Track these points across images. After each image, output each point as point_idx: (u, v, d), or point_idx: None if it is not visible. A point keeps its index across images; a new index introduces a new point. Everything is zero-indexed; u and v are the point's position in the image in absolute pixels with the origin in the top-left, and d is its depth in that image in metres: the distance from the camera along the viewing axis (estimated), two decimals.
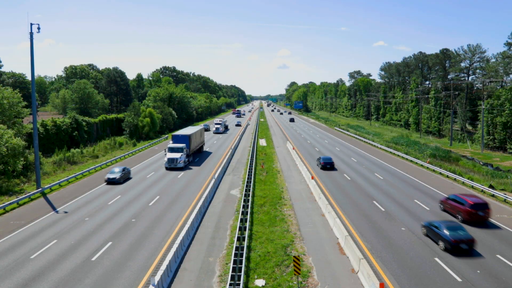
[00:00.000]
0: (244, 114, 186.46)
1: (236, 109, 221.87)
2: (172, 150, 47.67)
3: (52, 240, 23.88)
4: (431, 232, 24.17)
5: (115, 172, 39.28)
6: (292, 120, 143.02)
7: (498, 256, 21.72)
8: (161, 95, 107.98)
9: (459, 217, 28.20)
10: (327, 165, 47.50)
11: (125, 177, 40.28)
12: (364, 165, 50.81)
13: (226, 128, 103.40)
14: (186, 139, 49.99)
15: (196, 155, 56.66)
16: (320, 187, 37.27)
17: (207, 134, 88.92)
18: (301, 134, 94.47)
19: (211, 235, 24.91)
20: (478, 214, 27.10)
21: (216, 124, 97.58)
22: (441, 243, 22.95)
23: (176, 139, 50.45)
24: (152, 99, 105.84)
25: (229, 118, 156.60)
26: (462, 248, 22.08)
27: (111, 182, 38.40)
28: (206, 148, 65.17)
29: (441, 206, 30.89)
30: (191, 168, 46.78)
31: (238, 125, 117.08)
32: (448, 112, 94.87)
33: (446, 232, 22.66)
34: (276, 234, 24.93)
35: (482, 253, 22.30)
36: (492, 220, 28.12)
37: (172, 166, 45.58)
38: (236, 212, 29.63)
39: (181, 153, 46.94)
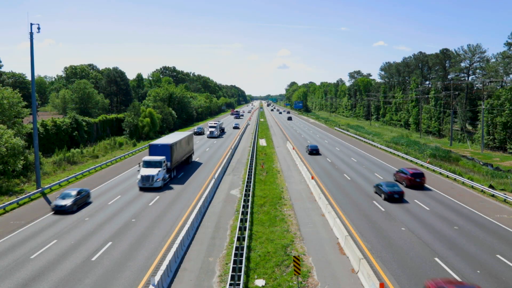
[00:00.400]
0: (242, 115, 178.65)
1: (235, 110, 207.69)
2: (148, 164, 37.65)
3: (52, 240, 23.88)
4: (378, 189, 34.87)
5: (68, 196, 30.10)
6: (289, 118, 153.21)
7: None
8: (161, 95, 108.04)
9: (404, 183, 38.66)
10: (313, 151, 60.29)
11: (81, 203, 30.99)
12: (364, 165, 50.80)
13: (222, 131, 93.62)
14: (167, 149, 40.20)
15: (182, 168, 47.29)
16: (320, 187, 37.27)
17: (200, 138, 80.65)
18: (301, 134, 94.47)
19: (211, 235, 24.91)
20: (416, 180, 37.97)
21: (211, 127, 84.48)
22: (382, 195, 33.76)
23: (154, 150, 40.52)
24: (152, 99, 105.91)
25: (227, 119, 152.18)
26: (395, 197, 32.76)
27: (59, 210, 29.24)
28: (196, 158, 55.71)
29: (394, 177, 41.52)
30: (171, 188, 37.32)
31: (236, 127, 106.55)
32: (448, 112, 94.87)
33: (386, 188, 33.49)
34: (276, 234, 24.93)
35: (408, 200, 33.83)
36: (427, 185, 38.79)
37: (147, 185, 36.19)
38: (236, 212, 29.64)
39: (159, 169, 37.11)
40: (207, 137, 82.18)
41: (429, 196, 35.16)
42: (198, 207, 28.12)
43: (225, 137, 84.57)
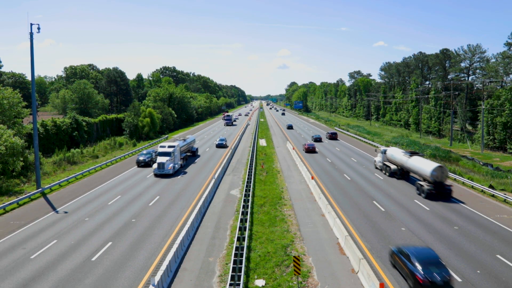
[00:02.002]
0: (236, 120, 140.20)
1: (226, 114, 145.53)
2: None
3: (52, 240, 23.87)
4: (311, 137, 73.33)
5: None
6: (283, 114, 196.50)
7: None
8: (161, 95, 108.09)
9: (328, 137, 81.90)
10: (290, 127, 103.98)
11: None
12: (364, 165, 50.78)
13: (190, 156, 55.70)
14: None
15: None
16: (320, 187, 37.27)
17: (139, 179, 41.46)
18: (301, 134, 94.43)
19: (211, 235, 24.90)
20: (332, 136, 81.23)
21: (161, 154, 44.57)
22: (312, 139, 74.66)
23: None
24: (152, 99, 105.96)
25: (216, 125, 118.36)
26: (317, 141, 75.07)
27: None
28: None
29: (326, 135, 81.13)
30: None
31: (220, 146, 66.08)
32: (448, 112, 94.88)
33: (314, 136, 76.64)
34: (276, 234, 24.93)
35: (326, 143, 69.20)
36: (339, 139, 77.56)
37: None
38: (236, 212, 29.63)
39: None
40: (154, 173, 43.34)
41: (339, 143, 71.64)
42: (198, 207, 28.12)
43: (193, 170, 46.84)
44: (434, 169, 33.78)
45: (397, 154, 41.99)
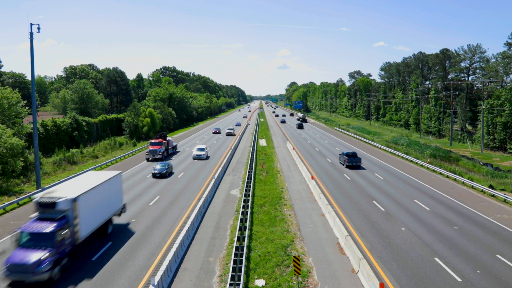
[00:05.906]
0: (203, 151, 55.33)
1: (153, 144, 52.96)
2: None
3: None
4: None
5: None
6: (275, 108, 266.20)
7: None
8: (161, 95, 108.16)
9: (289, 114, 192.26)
10: (273, 112, 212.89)
11: None
12: (364, 165, 50.78)
13: None
14: None
15: None
16: (320, 187, 37.27)
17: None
18: (301, 134, 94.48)
19: (211, 235, 24.91)
20: (292, 115, 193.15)
21: None
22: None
23: None
24: (152, 99, 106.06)
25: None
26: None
27: None
28: None
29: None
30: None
31: None
32: (448, 112, 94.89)
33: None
34: (276, 234, 24.93)
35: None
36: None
37: None
38: (236, 212, 29.63)
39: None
40: None
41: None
42: (198, 207, 28.12)
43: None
44: (302, 115, 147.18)
45: (300, 114, 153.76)
